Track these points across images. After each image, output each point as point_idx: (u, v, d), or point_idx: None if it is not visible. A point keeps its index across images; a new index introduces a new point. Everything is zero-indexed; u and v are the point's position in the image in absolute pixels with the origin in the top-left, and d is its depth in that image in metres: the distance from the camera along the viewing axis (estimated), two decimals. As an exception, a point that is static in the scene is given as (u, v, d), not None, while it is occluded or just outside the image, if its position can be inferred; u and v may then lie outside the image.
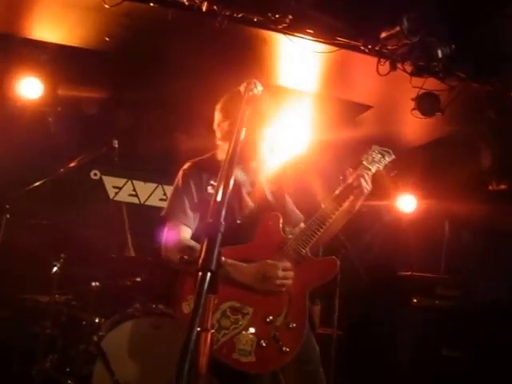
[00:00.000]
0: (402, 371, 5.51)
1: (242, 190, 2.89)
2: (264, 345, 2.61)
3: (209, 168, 2.90)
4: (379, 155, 3.09)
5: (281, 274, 2.67)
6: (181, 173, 2.97)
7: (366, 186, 2.88)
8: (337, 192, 2.90)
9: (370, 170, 2.97)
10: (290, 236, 2.83)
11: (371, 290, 5.73)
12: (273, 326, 2.64)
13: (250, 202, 2.90)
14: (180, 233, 2.84)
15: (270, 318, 2.66)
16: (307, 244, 2.77)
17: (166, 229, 2.90)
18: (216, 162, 2.89)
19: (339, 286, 4.87)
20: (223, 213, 1.74)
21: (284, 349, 2.61)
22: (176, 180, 2.97)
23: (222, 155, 2.93)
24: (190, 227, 2.86)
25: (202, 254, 1.66)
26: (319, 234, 2.78)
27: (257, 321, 2.65)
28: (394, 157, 3.15)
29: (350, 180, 2.90)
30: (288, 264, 2.72)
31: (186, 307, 2.67)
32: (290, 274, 2.71)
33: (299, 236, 2.80)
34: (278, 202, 2.95)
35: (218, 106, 3.02)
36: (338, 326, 5.02)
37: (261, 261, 2.71)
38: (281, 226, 2.83)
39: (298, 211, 3.03)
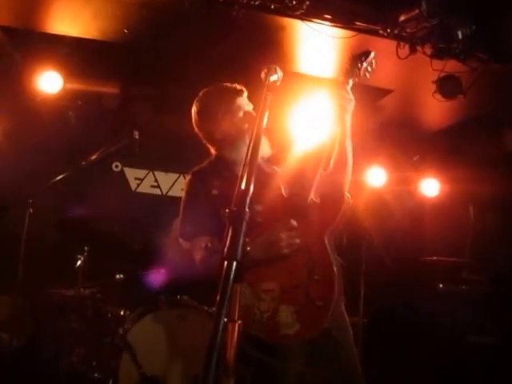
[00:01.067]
0: (428, 358, 5.46)
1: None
2: (301, 309, 2.57)
3: (210, 171, 2.91)
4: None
5: (283, 234, 2.60)
6: (185, 186, 2.97)
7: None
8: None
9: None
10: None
11: (396, 276, 5.69)
12: (302, 288, 2.58)
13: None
14: (202, 247, 2.80)
15: (296, 281, 2.60)
16: (306, 188, 2.71)
17: (190, 251, 2.85)
18: (214, 164, 2.93)
19: (364, 273, 4.86)
20: (248, 201, 1.71)
21: (317, 303, 2.56)
22: (183, 195, 2.95)
23: (229, 153, 2.90)
24: (207, 235, 2.79)
25: (227, 242, 1.63)
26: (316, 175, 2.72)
27: (287, 290, 2.61)
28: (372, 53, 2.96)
29: None
30: (289, 222, 2.64)
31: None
32: (298, 231, 2.64)
33: (298, 186, 2.74)
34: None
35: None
36: (364, 313, 5.00)
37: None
38: (282, 188, 2.75)
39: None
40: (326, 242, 2.66)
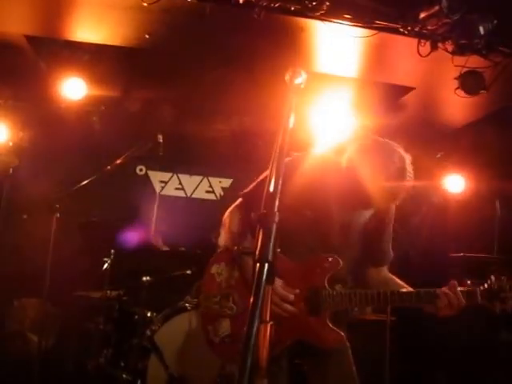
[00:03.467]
0: (457, 357, 5.40)
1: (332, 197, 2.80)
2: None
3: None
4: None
5: (275, 298, 2.61)
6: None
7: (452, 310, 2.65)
8: (408, 290, 2.75)
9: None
10: (334, 287, 2.73)
11: (423, 273, 5.64)
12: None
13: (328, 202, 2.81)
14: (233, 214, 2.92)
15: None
16: (331, 308, 2.69)
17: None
18: None
19: (389, 270, 4.83)
20: (277, 203, 1.73)
21: None
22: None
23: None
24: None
25: (258, 245, 1.65)
26: (352, 310, 2.76)
27: None
28: None
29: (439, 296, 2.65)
30: (291, 297, 2.66)
31: (214, 268, 2.85)
32: (287, 307, 2.65)
33: (334, 295, 2.69)
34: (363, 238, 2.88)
35: None
36: (391, 311, 4.97)
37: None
38: (331, 273, 2.72)
39: (387, 250, 2.96)
40: (287, 345, 2.67)
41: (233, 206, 2.98)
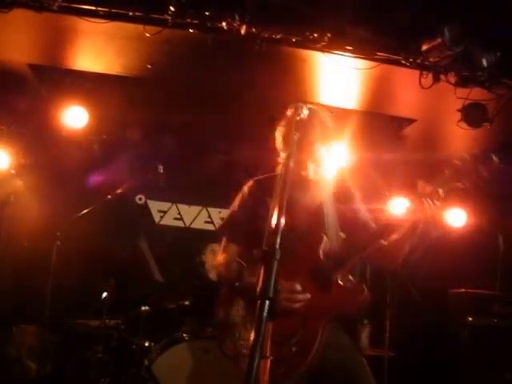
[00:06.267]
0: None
1: (297, 205, 2.84)
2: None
3: (270, 185, 2.90)
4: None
5: (284, 295, 2.61)
6: (243, 189, 3.01)
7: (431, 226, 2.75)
8: (386, 221, 2.85)
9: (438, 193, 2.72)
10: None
11: (423, 309, 5.57)
12: (278, 347, 2.48)
13: (304, 218, 2.85)
14: (223, 250, 2.92)
15: (277, 338, 2.59)
16: (339, 269, 2.73)
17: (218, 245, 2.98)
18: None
19: (389, 305, 4.77)
20: (278, 239, 1.76)
21: (280, 370, 2.53)
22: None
23: None
24: (238, 243, 2.88)
25: (260, 282, 1.69)
26: (354, 260, 2.75)
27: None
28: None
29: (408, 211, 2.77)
30: (297, 287, 2.66)
31: (221, 312, 2.83)
32: (298, 297, 2.65)
33: (334, 260, 2.74)
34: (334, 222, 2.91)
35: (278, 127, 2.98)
36: (390, 346, 4.89)
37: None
38: (322, 247, 2.77)
39: (368, 230, 2.96)
40: (324, 324, 2.66)
41: (219, 253, 2.98)
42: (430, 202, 2.70)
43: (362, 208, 3.05)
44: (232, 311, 2.82)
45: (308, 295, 2.66)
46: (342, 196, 2.99)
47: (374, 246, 2.76)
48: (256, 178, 3.03)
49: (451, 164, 2.76)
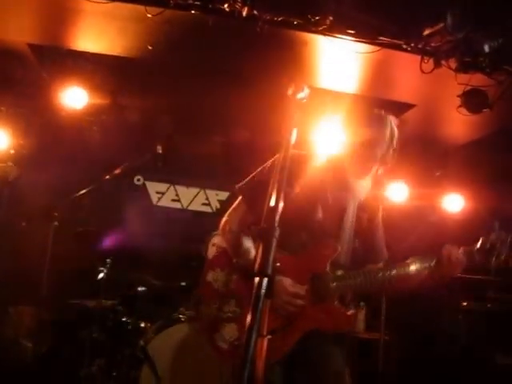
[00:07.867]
0: (453, 379, 5.32)
1: (327, 192, 2.84)
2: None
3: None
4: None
5: (285, 297, 2.64)
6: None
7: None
8: (408, 261, 2.87)
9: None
10: (335, 272, 2.75)
11: (418, 293, 5.58)
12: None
13: (329, 217, 2.83)
14: (233, 211, 2.88)
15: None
16: (339, 291, 2.72)
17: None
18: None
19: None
20: (277, 218, 1.74)
21: None
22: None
23: None
24: (252, 208, 2.81)
25: (258, 259, 1.66)
26: (358, 289, 2.76)
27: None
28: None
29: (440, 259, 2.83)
30: (301, 292, 2.68)
31: (210, 276, 2.81)
32: (298, 302, 2.67)
33: (338, 279, 2.73)
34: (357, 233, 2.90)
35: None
36: (385, 330, 4.92)
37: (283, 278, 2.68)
38: (331, 258, 2.75)
39: (380, 249, 3.00)
40: (302, 334, 2.66)
41: (231, 209, 2.93)
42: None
43: (380, 226, 3.04)
44: (219, 278, 2.82)
45: (304, 303, 2.68)
46: (369, 207, 2.96)
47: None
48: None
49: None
